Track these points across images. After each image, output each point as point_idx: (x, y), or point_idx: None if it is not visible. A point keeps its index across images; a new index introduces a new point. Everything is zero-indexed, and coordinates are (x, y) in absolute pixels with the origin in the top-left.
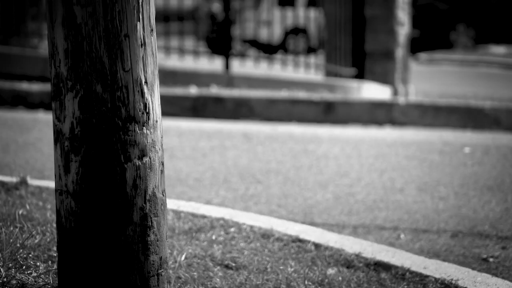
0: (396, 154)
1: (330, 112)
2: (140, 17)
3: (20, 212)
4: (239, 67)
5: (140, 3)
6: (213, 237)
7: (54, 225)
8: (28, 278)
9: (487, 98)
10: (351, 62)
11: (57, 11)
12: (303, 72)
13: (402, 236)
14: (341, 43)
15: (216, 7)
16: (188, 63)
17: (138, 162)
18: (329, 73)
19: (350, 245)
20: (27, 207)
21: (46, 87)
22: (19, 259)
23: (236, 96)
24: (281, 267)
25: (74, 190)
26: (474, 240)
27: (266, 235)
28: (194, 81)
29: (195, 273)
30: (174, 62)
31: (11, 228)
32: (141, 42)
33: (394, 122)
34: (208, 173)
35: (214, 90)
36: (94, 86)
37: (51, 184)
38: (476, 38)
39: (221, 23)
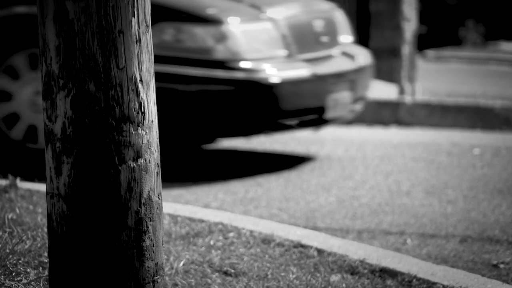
0: (403, 155)
1: None
2: (135, 12)
3: (10, 216)
4: None
5: None
6: (212, 242)
7: (45, 229)
8: (18, 285)
9: (497, 97)
10: None
11: (48, 6)
12: None
13: (408, 241)
14: None
15: None
16: None
17: (133, 164)
18: None
19: (355, 250)
20: (17, 211)
21: None
22: (8, 265)
23: None
24: (282, 274)
25: (66, 193)
26: (483, 246)
27: (266, 240)
28: None
29: (192, 280)
30: None
31: (0, 233)
32: (136, 38)
33: (400, 122)
34: (206, 174)
35: None
36: (87, 85)
37: (42, 187)
38: (486, 35)
39: None
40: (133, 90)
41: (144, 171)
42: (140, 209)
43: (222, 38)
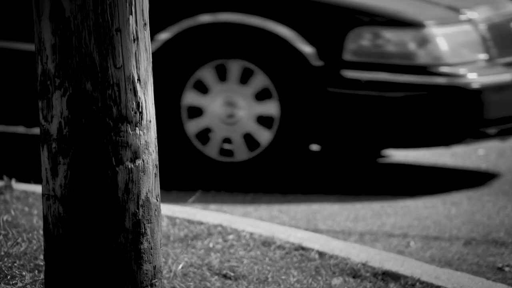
0: (406, 156)
1: None
2: (133, 10)
3: (5, 218)
4: None
5: None
6: (211, 245)
7: (41, 232)
8: None
9: None
10: None
11: (44, 3)
12: None
13: (411, 243)
14: None
15: None
16: None
17: (130, 165)
18: None
19: (357, 253)
20: (12, 212)
21: None
22: (3, 268)
23: None
24: (283, 277)
25: (62, 194)
26: (488, 248)
27: (266, 242)
28: None
29: (191, 283)
30: None
31: None
32: (133, 37)
33: None
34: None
35: None
36: (83, 84)
37: (38, 188)
38: None
39: None
40: (130, 89)
41: (142, 172)
42: (137, 211)
43: (423, 42)
